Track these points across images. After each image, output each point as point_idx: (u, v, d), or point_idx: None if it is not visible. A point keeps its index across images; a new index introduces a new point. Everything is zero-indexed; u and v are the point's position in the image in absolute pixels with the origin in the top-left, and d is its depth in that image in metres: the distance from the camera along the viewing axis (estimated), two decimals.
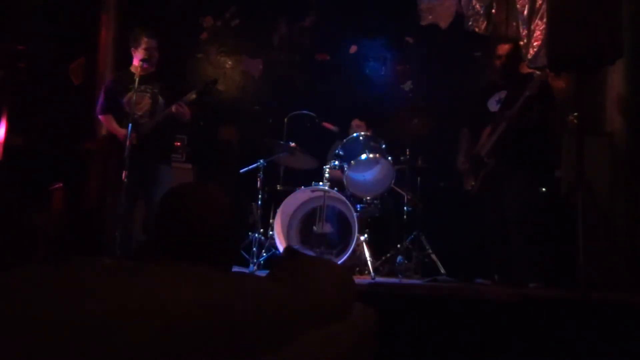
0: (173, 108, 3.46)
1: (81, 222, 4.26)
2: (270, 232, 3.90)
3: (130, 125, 3.33)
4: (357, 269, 3.81)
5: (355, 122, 4.43)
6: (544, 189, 3.69)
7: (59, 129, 4.57)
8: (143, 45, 3.57)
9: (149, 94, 3.57)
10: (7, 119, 4.08)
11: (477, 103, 3.63)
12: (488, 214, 3.50)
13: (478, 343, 2.28)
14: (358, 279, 3.45)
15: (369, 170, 3.87)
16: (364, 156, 3.72)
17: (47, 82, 4.59)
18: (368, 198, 3.93)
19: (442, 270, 4.02)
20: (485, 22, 4.41)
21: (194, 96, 3.52)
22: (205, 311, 0.81)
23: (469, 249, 4.09)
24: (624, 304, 2.30)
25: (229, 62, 5.62)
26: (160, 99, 3.59)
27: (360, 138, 3.83)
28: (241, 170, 4.17)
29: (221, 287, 0.87)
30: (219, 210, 1.06)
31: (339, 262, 3.51)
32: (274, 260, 3.86)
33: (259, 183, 4.04)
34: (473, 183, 3.49)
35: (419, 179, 4.39)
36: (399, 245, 4.06)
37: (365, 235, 3.70)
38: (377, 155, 3.72)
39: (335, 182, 3.93)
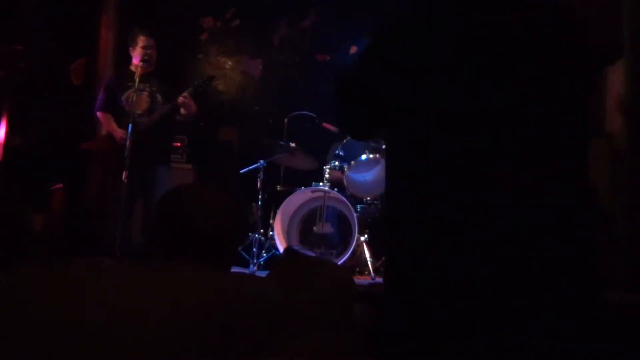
0: (179, 99, 3.48)
1: (81, 222, 4.26)
2: (271, 233, 3.90)
3: (130, 125, 3.33)
4: (357, 269, 3.81)
5: None
6: None
7: (59, 129, 4.57)
8: (140, 44, 3.59)
9: (147, 92, 3.59)
10: (7, 119, 4.08)
11: None
12: None
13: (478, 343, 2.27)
14: (358, 279, 3.45)
15: (369, 170, 3.87)
16: (364, 156, 3.72)
17: (47, 82, 4.59)
18: (368, 198, 3.93)
19: None
20: None
21: (190, 92, 3.53)
22: (205, 312, 0.81)
23: None
24: (624, 304, 2.30)
25: (229, 63, 5.62)
26: (159, 97, 3.60)
27: None
28: (241, 171, 4.17)
29: (221, 288, 0.87)
30: (218, 210, 1.06)
31: (339, 263, 3.51)
32: (274, 261, 3.86)
33: (259, 183, 4.04)
34: None
35: None
36: None
37: (366, 236, 3.70)
38: (377, 155, 3.72)
39: (335, 183, 3.93)
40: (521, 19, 1.07)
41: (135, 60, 3.63)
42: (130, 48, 3.65)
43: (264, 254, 3.88)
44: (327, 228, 3.91)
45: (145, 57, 3.56)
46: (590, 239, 1.08)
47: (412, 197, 1.05)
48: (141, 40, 3.59)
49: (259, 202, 4.05)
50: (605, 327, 1.09)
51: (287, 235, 4.01)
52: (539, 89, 1.06)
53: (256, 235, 3.89)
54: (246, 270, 3.67)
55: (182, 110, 3.57)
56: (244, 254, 3.89)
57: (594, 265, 1.07)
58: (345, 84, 1.21)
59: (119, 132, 3.52)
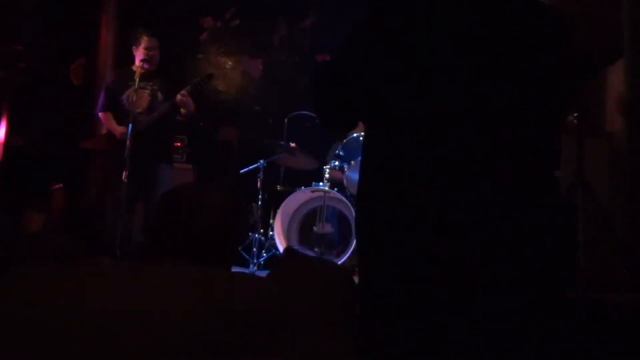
0: (177, 97, 3.48)
1: (81, 222, 4.26)
2: (271, 233, 3.90)
3: (130, 125, 3.33)
4: (357, 269, 3.81)
5: None
6: None
7: (59, 129, 4.57)
8: (143, 44, 3.59)
9: (148, 91, 3.59)
10: (7, 119, 4.08)
11: None
12: None
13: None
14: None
15: None
16: None
17: (47, 82, 4.59)
18: None
19: None
20: None
21: (188, 89, 3.54)
22: (205, 311, 0.81)
23: None
24: (624, 304, 2.30)
25: (229, 63, 5.63)
26: (160, 95, 3.61)
27: (360, 138, 3.83)
28: (241, 171, 4.18)
29: (221, 287, 0.87)
30: (218, 210, 1.06)
31: (339, 263, 3.51)
32: (274, 261, 3.86)
33: (259, 183, 4.05)
34: None
35: None
36: None
37: None
38: None
39: (335, 183, 3.94)
40: (521, 19, 1.07)
41: (138, 60, 3.64)
42: (134, 47, 3.66)
43: (264, 254, 3.88)
44: (327, 228, 3.91)
45: (147, 58, 3.56)
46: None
47: (410, 197, 1.04)
48: (144, 41, 3.60)
49: (259, 202, 4.05)
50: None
51: (287, 235, 4.01)
52: (539, 89, 1.07)
53: (256, 235, 3.90)
54: (246, 270, 3.67)
55: (182, 110, 3.58)
56: (244, 254, 3.89)
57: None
58: (329, 73, 1.19)
59: (119, 129, 3.53)
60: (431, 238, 1.00)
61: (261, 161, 4.06)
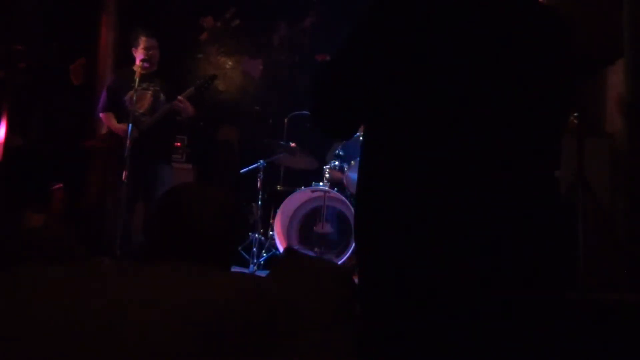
0: (174, 104, 3.49)
1: (81, 222, 4.26)
2: (271, 233, 3.90)
3: (130, 125, 3.34)
4: (357, 269, 3.81)
5: None
6: None
7: (59, 129, 4.57)
8: (142, 45, 3.60)
9: (150, 92, 3.60)
10: (7, 119, 4.08)
11: None
12: None
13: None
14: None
15: None
16: None
17: (47, 82, 4.59)
18: None
19: None
20: None
21: (192, 91, 3.54)
22: (205, 311, 0.81)
23: None
24: (624, 304, 2.30)
25: (229, 63, 5.63)
26: (162, 96, 3.61)
27: (361, 138, 3.83)
28: (241, 171, 4.18)
29: (221, 287, 0.87)
30: (218, 210, 1.06)
31: (339, 263, 3.51)
32: (274, 261, 3.87)
33: (259, 183, 4.05)
34: None
35: None
36: None
37: None
38: None
39: (335, 183, 3.94)
40: (521, 19, 1.07)
41: (138, 60, 3.64)
42: (133, 48, 3.67)
43: (264, 254, 3.88)
44: (327, 228, 3.92)
45: (146, 57, 3.57)
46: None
47: (409, 197, 1.03)
48: (143, 41, 3.60)
49: (259, 202, 4.05)
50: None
51: (287, 235, 4.01)
52: (540, 89, 1.07)
53: (256, 235, 3.90)
54: (246, 270, 3.67)
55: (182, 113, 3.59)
56: (244, 254, 3.89)
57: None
58: (329, 73, 1.19)
59: (122, 127, 3.52)
60: (431, 238, 1.00)
61: (261, 161, 4.06)
